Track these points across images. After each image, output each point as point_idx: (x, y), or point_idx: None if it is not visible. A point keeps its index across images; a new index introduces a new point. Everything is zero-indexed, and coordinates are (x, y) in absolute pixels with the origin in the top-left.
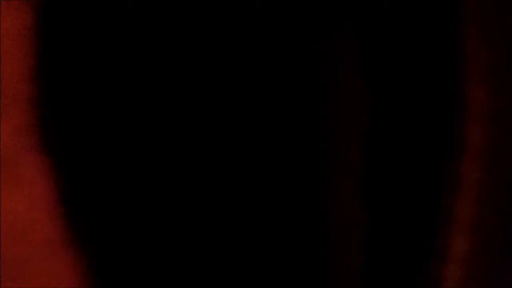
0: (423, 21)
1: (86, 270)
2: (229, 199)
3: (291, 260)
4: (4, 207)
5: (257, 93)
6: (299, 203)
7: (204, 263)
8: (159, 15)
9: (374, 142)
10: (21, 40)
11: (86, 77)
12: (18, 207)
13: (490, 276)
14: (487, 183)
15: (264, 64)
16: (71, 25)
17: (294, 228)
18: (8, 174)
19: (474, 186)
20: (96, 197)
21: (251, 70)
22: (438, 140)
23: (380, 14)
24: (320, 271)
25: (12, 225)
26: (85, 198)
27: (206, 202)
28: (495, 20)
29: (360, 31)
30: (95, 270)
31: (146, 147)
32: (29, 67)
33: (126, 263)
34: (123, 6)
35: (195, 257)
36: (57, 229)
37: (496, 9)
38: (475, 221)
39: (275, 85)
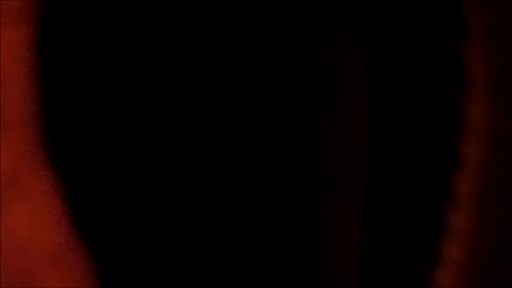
0: (426, 33)
1: (91, 284)
2: (221, 199)
3: (287, 263)
4: (5, 224)
5: (247, 94)
6: (296, 206)
7: (200, 274)
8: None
9: (375, 143)
10: (20, 55)
11: (88, 90)
12: (20, 223)
13: (489, 279)
14: (485, 195)
15: (255, 60)
16: (71, 38)
17: (291, 231)
18: (10, 190)
19: (473, 197)
20: (102, 209)
21: (240, 67)
22: (437, 149)
23: (385, 16)
24: (317, 277)
25: (13, 242)
26: (90, 210)
27: (200, 210)
28: (498, 34)
29: (362, 34)
30: (101, 283)
31: (148, 153)
32: (29, 82)
33: (132, 276)
34: (124, 18)
35: (193, 264)
36: (61, 245)
37: (500, 24)
38: (473, 228)
39: (269, 82)
